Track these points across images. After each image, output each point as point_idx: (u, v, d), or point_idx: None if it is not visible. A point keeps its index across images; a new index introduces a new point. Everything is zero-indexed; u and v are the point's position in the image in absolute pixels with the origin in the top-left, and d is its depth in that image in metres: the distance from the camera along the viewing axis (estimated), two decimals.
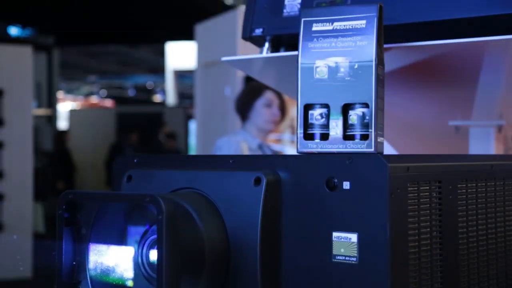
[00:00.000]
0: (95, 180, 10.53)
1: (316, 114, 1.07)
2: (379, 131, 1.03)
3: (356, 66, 1.04)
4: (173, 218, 0.93)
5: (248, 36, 1.43)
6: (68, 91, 21.45)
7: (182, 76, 15.02)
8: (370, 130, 1.03)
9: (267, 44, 1.43)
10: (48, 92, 10.11)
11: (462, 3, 1.22)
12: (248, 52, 1.63)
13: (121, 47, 14.91)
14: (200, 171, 1.11)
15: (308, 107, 1.07)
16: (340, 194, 0.99)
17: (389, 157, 0.99)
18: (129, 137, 9.75)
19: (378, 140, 1.03)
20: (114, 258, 1.03)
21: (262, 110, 3.45)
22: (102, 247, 1.04)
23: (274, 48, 1.44)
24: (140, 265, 1.02)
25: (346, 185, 0.99)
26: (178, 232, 0.94)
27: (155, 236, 1.00)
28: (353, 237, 0.98)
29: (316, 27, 1.08)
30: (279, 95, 3.51)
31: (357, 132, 1.04)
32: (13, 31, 11.46)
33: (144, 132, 10.22)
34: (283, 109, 3.53)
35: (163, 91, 17.82)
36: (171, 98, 14.13)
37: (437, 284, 1.05)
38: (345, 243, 0.99)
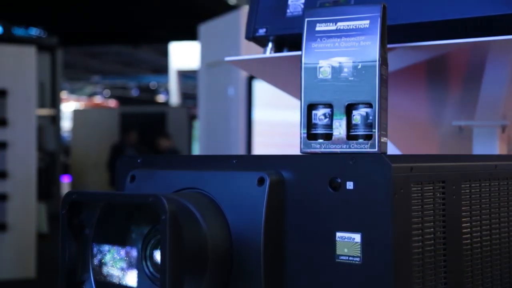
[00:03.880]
0: (99, 180, 10.53)
1: (319, 114, 1.07)
2: (382, 131, 1.03)
3: (359, 66, 1.04)
4: (176, 218, 0.93)
5: (251, 36, 1.43)
6: (72, 91, 21.48)
7: (185, 76, 15.03)
8: (373, 130, 1.03)
9: (270, 44, 1.43)
10: (51, 92, 10.12)
11: (466, 3, 1.22)
12: (252, 52, 1.63)
13: (125, 47, 14.93)
14: (204, 171, 1.11)
15: (311, 107, 1.07)
16: (343, 194, 0.99)
17: (393, 157, 0.98)
18: (128, 137, 9.74)
19: (382, 140, 1.03)
20: (118, 258, 1.03)
21: None
22: (105, 247, 1.04)
23: (277, 48, 1.44)
24: (143, 265, 1.02)
25: (350, 185, 0.99)
26: (181, 232, 0.94)
27: (158, 236, 1.00)
28: (357, 237, 0.98)
29: (319, 27, 1.08)
30: None
31: (361, 132, 1.04)
32: (17, 31, 11.47)
33: (146, 132, 10.21)
34: None
35: (167, 91, 17.83)
36: (174, 98, 14.13)
37: (441, 284, 1.05)
38: (349, 243, 0.99)
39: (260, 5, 1.43)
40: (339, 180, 1.00)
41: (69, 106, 16.17)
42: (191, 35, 8.41)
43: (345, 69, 1.05)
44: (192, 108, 11.39)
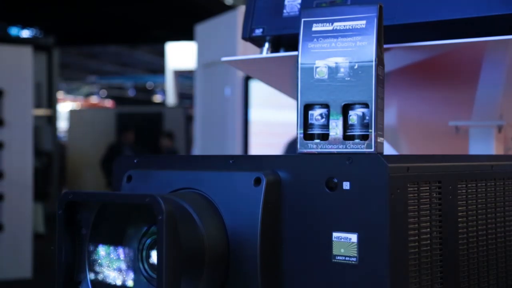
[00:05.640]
0: (95, 181, 10.52)
1: (316, 114, 1.07)
2: (379, 131, 1.03)
3: (356, 67, 1.04)
4: (173, 218, 0.93)
5: (248, 36, 1.43)
6: (68, 92, 21.46)
7: (182, 76, 15.02)
8: (370, 130, 1.03)
9: (267, 45, 1.43)
10: (48, 92, 10.11)
11: (463, 3, 1.22)
12: (248, 52, 1.63)
13: (121, 48, 14.92)
14: (200, 171, 1.11)
15: (308, 107, 1.07)
16: (340, 194, 0.99)
17: (389, 157, 0.98)
18: (125, 136, 9.73)
19: (378, 140, 1.03)
20: (114, 258, 1.03)
21: None
22: (102, 247, 1.04)
23: (274, 48, 1.44)
24: (140, 265, 1.02)
25: (346, 185, 0.99)
26: (178, 232, 0.94)
27: (155, 237, 1.00)
28: (353, 237, 0.98)
29: (316, 27, 1.08)
30: None
31: (357, 132, 1.04)
32: (13, 31, 11.46)
33: (143, 132, 10.21)
34: None
35: (163, 91, 17.82)
36: (171, 98, 14.12)
37: (437, 284, 1.05)
38: (345, 243, 0.99)
39: (256, 5, 1.43)
40: (335, 180, 1.00)
41: (65, 106, 16.16)
42: (187, 35, 8.41)
43: (342, 69, 1.05)
44: (188, 108, 11.38)
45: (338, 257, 0.99)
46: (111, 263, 1.03)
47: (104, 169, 9.32)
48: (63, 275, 1.03)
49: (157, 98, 21.36)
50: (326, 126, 1.06)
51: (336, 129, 1.05)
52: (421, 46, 1.27)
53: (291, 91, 1.51)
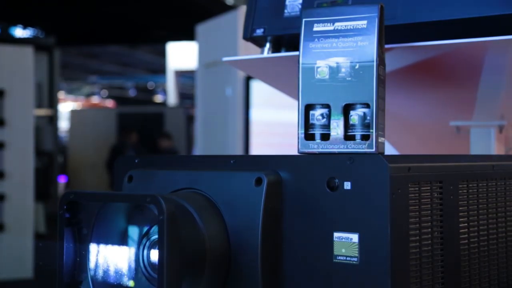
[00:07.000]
0: (96, 180, 10.53)
1: (317, 114, 1.07)
2: (380, 131, 1.03)
3: (357, 67, 1.04)
4: (174, 218, 0.93)
5: (249, 36, 1.43)
6: (69, 92, 21.46)
7: (183, 76, 15.01)
8: (371, 130, 1.03)
9: (268, 45, 1.43)
10: (49, 93, 10.11)
11: (463, 3, 1.22)
12: (249, 53, 1.63)
13: (122, 48, 14.92)
14: (201, 172, 1.11)
15: (309, 107, 1.07)
16: (341, 195, 0.99)
17: (390, 157, 0.98)
18: (129, 137, 9.74)
19: (379, 140, 1.03)
20: (115, 258, 1.03)
21: None
22: (103, 248, 1.04)
23: (275, 49, 1.44)
24: (141, 265, 1.02)
25: (347, 185, 0.99)
26: (179, 232, 0.94)
27: (156, 237, 1.00)
28: (354, 237, 0.98)
29: (317, 28, 1.08)
30: None
31: (358, 132, 1.04)
32: (14, 31, 11.46)
33: (144, 132, 10.22)
34: None
35: (164, 91, 17.83)
36: (172, 98, 14.12)
37: (438, 284, 1.05)
38: (346, 243, 0.99)
39: (257, 5, 1.43)
40: (336, 180, 1.00)
41: (66, 107, 16.17)
42: (188, 35, 8.41)
43: (343, 69, 1.05)
44: (189, 108, 11.38)
45: (339, 257, 0.99)
46: (112, 263, 1.03)
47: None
48: (64, 275, 1.03)
49: (158, 98, 21.36)
50: (327, 126, 1.06)
51: (337, 129, 1.05)
52: (422, 46, 1.27)
53: (292, 91, 1.51)
